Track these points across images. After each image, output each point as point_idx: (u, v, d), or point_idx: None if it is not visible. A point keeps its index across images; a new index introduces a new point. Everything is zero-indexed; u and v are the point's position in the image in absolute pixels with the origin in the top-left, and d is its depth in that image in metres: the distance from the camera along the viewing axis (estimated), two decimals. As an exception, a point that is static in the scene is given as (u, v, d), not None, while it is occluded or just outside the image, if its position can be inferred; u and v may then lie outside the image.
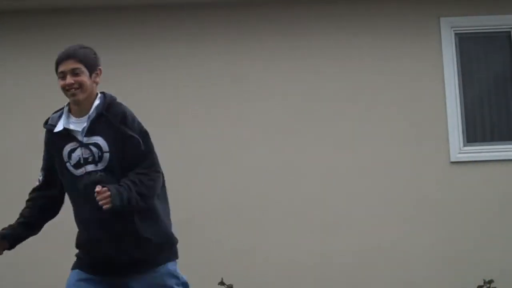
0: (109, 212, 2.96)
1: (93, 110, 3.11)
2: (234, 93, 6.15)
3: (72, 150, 3.13)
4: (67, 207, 6.21)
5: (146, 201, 3.12)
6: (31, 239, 6.09)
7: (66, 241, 5.97)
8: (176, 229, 6.02)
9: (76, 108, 3.14)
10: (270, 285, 5.94)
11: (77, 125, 3.13)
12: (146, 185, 3.14)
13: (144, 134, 3.21)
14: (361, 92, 6.12)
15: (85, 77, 3.09)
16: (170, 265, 3.31)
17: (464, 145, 6.11)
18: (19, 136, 6.07)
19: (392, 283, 5.96)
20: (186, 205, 6.00)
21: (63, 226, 5.97)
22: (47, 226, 6.16)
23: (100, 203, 2.93)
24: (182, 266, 5.99)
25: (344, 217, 6.00)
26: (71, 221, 6.23)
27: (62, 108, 3.22)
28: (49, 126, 3.26)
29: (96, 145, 3.08)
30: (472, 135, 6.17)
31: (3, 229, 3.31)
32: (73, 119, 3.16)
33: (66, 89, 3.09)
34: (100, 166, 3.08)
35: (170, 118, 6.10)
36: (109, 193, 2.93)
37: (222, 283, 5.60)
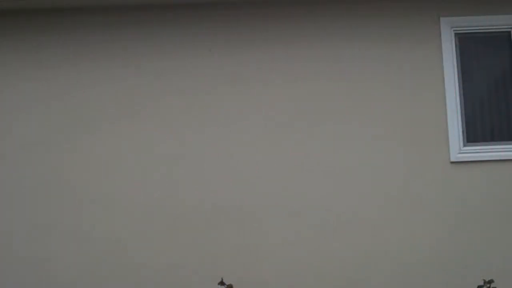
0: None
1: None
2: (234, 93, 6.15)
3: None
4: (66, 207, 6.23)
5: None
6: (30, 239, 6.09)
7: (66, 241, 5.99)
8: (177, 229, 6.05)
9: None
10: (270, 285, 5.94)
11: None
12: None
13: None
14: (361, 92, 6.12)
15: None
16: None
17: (464, 145, 6.12)
18: (19, 137, 6.07)
19: (391, 283, 5.95)
20: (187, 205, 6.01)
21: (63, 226, 5.99)
22: (47, 225, 6.17)
23: None
24: (183, 266, 6.02)
25: (344, 217, 6.00)
26: (71, 221, 6.23)
27: None
28: None
29: None
30: (472, 135, 6.17)
31: None
32: None
33: None
34: None
35: (170, 118, 6.10)
36: None
37: (222, 283, 5.59)
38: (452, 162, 6.07)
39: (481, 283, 5.56)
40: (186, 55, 6.17)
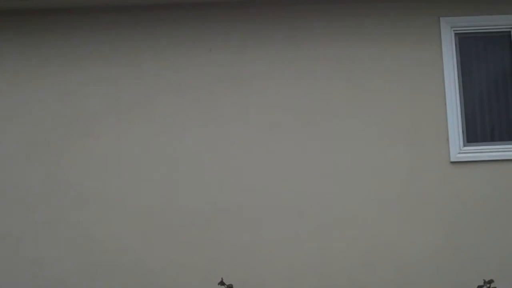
0: None
1: None
2: (234, 93, 6.15)
3: None
4: (66, 207, 6.23)
5: None
6: (30, 239, 6.09)
7: (66, 241, 5.99)
8: (176, 229, 6.06)
9: None
10: (270, 285, 5.94)
11: None
12: None
13: None
14: (361, 92, 6.13)
15: None
16: None
17: (464, 145, 6.12)
18: (18, 138, 6.07)
19: (391, 283, 5.96)
20: (186, 205, 6.01)
21: (63, 226, 5.99)
22: (47, 225, 6.18)
23: None
24: (183, 266, 6.02)
25: (344, 217, 6.00)
26: (71, 221, 6.23)
27: None
28: None
29: None
30: (472, 135, 6.17)
31: None
32: None
33: None
34: None
35: (170, 118, 6.10)
36: None
37: (222, 283, 5.59)
38: (452, 162, 6.07)
39: (481, 283, 5.57)
40: (186, 55, 6.18)
